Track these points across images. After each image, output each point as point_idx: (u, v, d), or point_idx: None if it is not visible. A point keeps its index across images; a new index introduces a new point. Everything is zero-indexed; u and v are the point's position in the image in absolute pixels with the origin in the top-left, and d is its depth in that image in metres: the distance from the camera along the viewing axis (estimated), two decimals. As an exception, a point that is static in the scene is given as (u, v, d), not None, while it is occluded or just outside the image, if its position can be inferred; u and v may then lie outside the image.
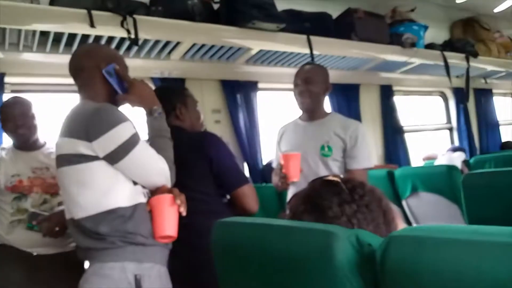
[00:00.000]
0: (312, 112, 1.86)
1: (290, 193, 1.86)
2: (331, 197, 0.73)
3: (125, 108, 1.29)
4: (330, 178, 0.78)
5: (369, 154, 1.81)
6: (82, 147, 1.13)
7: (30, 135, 1.74)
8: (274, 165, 1.97)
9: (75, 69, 1.30)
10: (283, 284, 0.68)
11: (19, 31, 1.87)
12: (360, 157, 1.76)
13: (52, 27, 1.88)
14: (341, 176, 0.80)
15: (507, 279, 0.42)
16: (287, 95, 2.99)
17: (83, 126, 1.14)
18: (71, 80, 1.33)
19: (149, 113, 1.29)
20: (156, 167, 1.20)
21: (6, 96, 2.10)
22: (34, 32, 1.91)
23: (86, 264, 1.24)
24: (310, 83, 1.81)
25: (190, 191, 1.25)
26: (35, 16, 1.82)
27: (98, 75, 1.26)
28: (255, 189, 1.52)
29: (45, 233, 1.55)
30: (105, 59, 1.28)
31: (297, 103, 1.86)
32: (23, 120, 1.70)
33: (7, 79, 2.12)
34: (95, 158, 1.14)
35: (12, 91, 2.20)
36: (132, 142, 1.15)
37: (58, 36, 1.96)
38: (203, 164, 1.47)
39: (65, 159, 1.17)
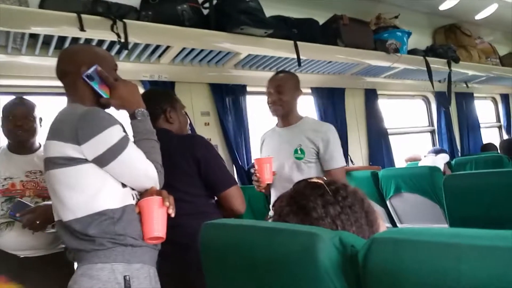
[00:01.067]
0: (285, 118, 1.94)
1: (273, 195, 1.94)
2: (315, 199, 0.74)
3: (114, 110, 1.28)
4: (314, 180, 0.79)
5: (342, 153, 1.89)
6: (70, 150, 1.12)
7: (28, 137, 1.71)
8: None
9: (59, 74, 1.29)
10: (268, 285, 0.68)
11: (8, 33, 1.86)
12: (335, 157, 1.84)
13: (42, 30, 1.86)
14: (324, 178, 0.81)
15: (486, 282, 0.43)
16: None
17: (72, 129, 1.13)
18: (60, 83, 1.31)
19: (132, 116, 1.27)
20: (145, 171, 1.19)
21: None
22: (23, 34, 1.89)
23: (76, 265, 1.24)
24: (282, 92, 1.88)
25: (178, 193, 1.26)
26: (25, 18, 1.80)
27: (80, 79, 1.23)
28: (242, 191, 1.55)
29: (25, 225, 1.52)
30: (87, 62, 1.24)
31: (270, 110, 1.93)
32: (23, 121, 1.68)
33: (-5, 81, 2.12)
34: (83, 161, 1.13)
35: (1, 93, 2.20)
36: (121, 145, 1.15)
37: (47, 39, 1.95)
38: (191, 166, 1.48)
39: (53, 162, 1.16)
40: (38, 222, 1.50)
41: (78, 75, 1.23)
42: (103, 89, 1.25)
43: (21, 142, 1.73)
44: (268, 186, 1.91)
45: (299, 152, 1.85)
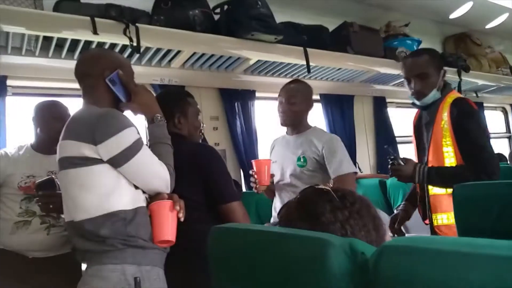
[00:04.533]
0: (294, 127, 1.95)
1: (277, 201, 1.94)
2: (323, 204, 0.74)
3: (129, 113, 1.31)
4: (321, 186, 0.80)
5: (350, 160, 1.86)
6: (87, 150, 1.14)
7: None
8: None
9: (80, 74, 1.32)
10: (277, 290, 0.68)
11: (23, 35, 1.89)
12: (344, 163, 1.82)
13: (56, 33, 1.89)
14: (329, 184, 0.84)
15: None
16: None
17: (89, 129, 1.15)
18: (72, 85, 1.35)
19: (151, 121, 1.31)
20: (158, 173, 1.22)
21: (7, 99, 2.14)
22: (37, 37, 1.93)
23: (83, 266, 1.25)
24: (293, 103, 1.89)
25: (184, 199, 1.26)
26: (40, 21, 1.83)
27: (102, 82, 1.27)
28: (244, 207, 1.50)
29: (39, 201, 1.50)
30: (110, 66, 1.29)
31: (279, 119, 1.94)
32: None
33: (9, 82, 2.14)
34: (99, 161, 1.15)
35: (14, 94, 2.23)
36: (136, 147, 1.18)
37: (61, 42, 1.98)
38: (196, 175, 1.47)
39: (69, 162, 1.17)
40: (51, 207, 1.48)
41: (100, 78, 1.27)
42: (122, 94, 1.29)
43: (53, 144, 1.73)
44: (268, 189, 1.92)
45: (302, 160, 1.86)
